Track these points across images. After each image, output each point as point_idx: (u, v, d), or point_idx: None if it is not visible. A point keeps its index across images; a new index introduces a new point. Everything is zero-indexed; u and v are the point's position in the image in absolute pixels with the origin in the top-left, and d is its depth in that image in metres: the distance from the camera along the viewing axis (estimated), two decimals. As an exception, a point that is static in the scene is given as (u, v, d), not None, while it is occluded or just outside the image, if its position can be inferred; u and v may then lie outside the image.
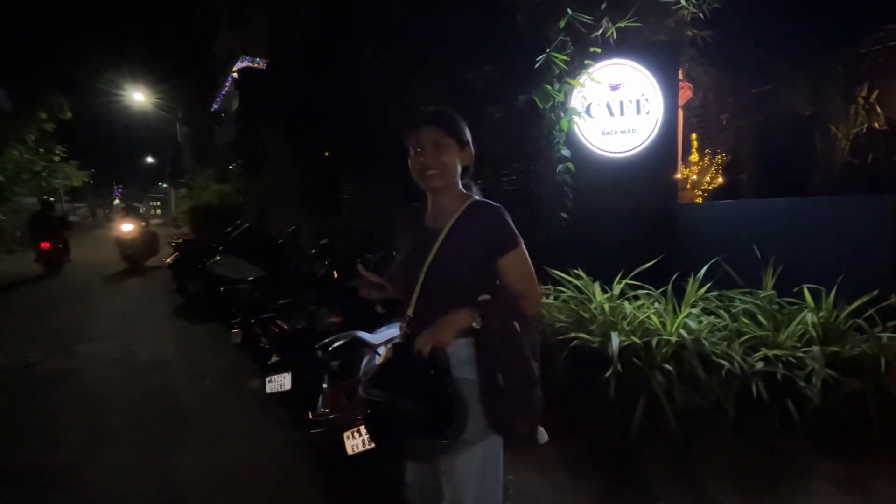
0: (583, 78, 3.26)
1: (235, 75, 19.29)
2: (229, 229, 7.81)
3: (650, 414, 2.25)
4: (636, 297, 2.84)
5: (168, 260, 7.27)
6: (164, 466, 2.42)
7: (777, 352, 2.31)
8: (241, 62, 19.97)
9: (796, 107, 5.39)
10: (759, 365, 2.27)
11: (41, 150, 13.67)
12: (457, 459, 1.11)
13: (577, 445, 2.32)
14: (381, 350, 2.02)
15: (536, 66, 3.11)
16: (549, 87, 3.12)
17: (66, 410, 3.17)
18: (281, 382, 2.57)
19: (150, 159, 41.60)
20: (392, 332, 2.13)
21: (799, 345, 2.36)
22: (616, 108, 3.44)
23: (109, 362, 4.11)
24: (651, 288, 2.85)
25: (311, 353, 2.23)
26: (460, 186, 1.28)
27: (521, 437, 1.16)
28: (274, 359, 2.67)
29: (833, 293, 2.50)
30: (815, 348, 2.26)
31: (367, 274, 1.31)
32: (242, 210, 11.58)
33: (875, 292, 2.43)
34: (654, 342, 2.38)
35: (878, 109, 4.97)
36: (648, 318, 2.56)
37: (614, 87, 3.43)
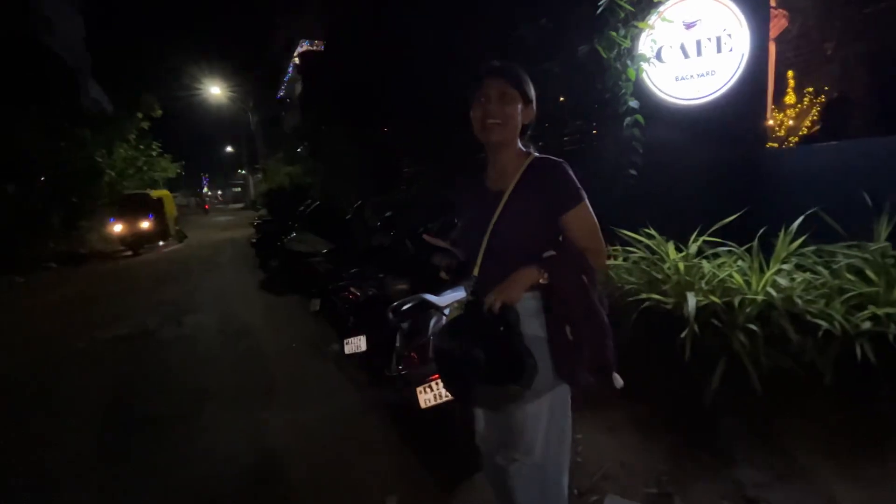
0: (652, 19, 2.97)
1: (297, 60, 20.06)
2: (302, 208, 8.37)
3: (731, 377, 2.12)
4: (716, 256, 2.64)
5: (252, 239, 8.00)
6: (256, 420, 2.75)
7: (889, 310, 2.04)
8: (301, 46, 20.67)
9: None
10: (866, 325, 2.03)
11: (141, 146, 15.38)
12: (526, 407, 1.15)
13: (648, 408, 2.27)
14: (447, 311, 2.10)
15: (598, 11, 2.88)
16: (613, 33, 2.89)
17: (176, 370, 3.69)
18: (357, 344, 2.77)
19: (229, 148, 45.17)
20: (456, 294, 2.19)
21: (918, 302, 2.07)
22: (692, 48, 3.10)
23: (210, 330, 4.68)
24: (733, 245, 2.63)
25: (383, 316, 2.37)
26: (520, 145, 1.26)
27: (594, 385, 1.16)
28: (350, 323, 2.87)
29: (966, 242, 2.14)
30: (939, 305, 1.97)
31: (434, 240, 1.35)
32: (311, 190, 12.27)
33: None
34: (736, 302, 2.21)
35: None
36: (730, 276, 2.37)
37: (689, 25, 3.08)
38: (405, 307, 2.03)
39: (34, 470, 2.43)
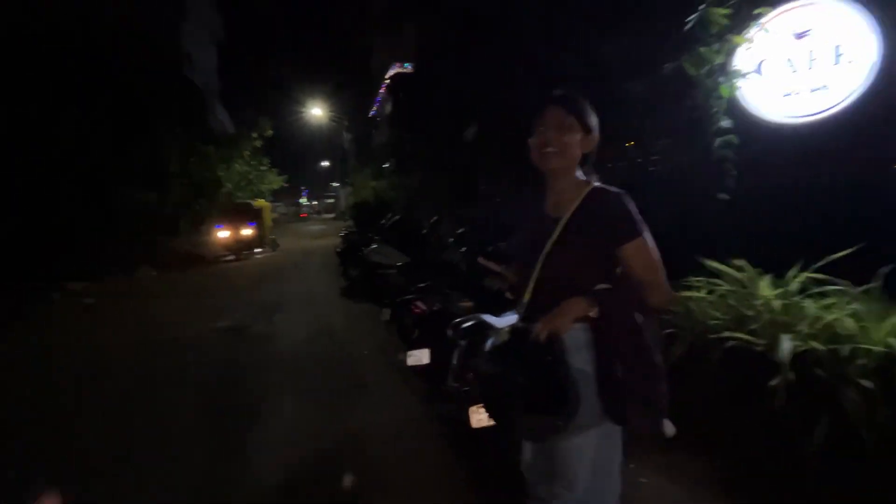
0: (751, 32, 2.73)
1: (388, 81, 21.49)
2: (383, 221, 8.84)
3: (833, 437, 1.82)
4: (822, 295, 2.30)
5: (337, 249, 8.63)
6: (321, 417, 2.98)
7: None
8: (393, 69, 22.09)
9: None
10: None
11: (253, 162, 17.47)
12: (569, 441, 1.12)
13: (726, 459, 2.03)
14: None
15: (688, 27, 2.72)
16: (703, 50, 2.70)
17: (263, 363, 4.10)
18: (420, 357, 2.85)
19: (325, 163, 49.46)
20: (514, 317, 2.17)
21: None
22: (801, 61, 2.78)
23: (294, 329, 5.13)
24: (847, 284, 2.27)
25: (444, 332, 2.43)
26: (579, 174, 1.25)
27: (644, 429, 1.10)
28: (414, 335, 2.96)
29: None
30: None
31: (489, 264, 1.39)
32: (394, 204, 12.93)
33: None
34: (845, 351, 1.91)
35: None
36: (839, 320, 2.06)
37: (799, 36, 2.78)
38: (464, 326, 2.07)
39: (134, 438, 2.86)
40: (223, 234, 12.77)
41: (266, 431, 2.84)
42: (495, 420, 1.28)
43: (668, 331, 2.60)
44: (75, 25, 9.90)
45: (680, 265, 2.77)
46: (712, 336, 2.34)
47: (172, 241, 12.40)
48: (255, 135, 16.86)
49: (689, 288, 2.70)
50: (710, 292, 2.64)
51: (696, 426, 2.28)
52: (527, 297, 1.23)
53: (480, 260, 1.37)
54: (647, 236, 1.12)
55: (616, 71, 3.20)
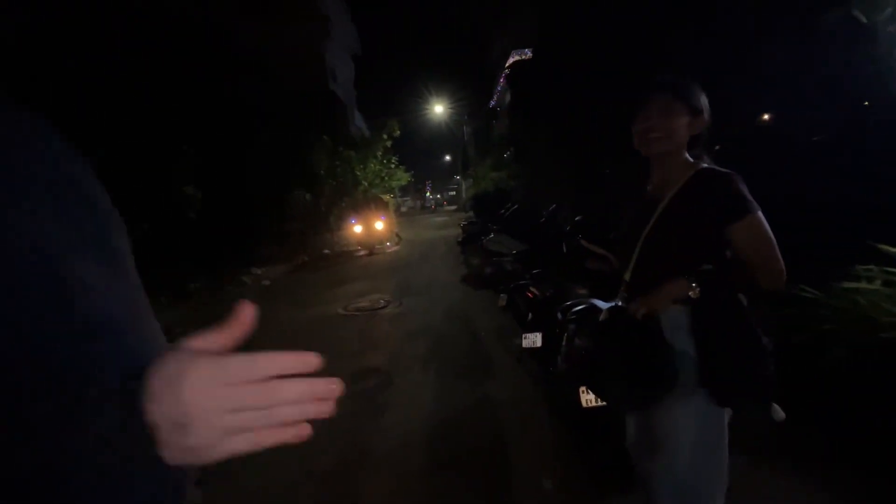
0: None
1: (507, 71, 21.43)
2: (502, 211, 9.01)
3: None
4: None
5: (458, 238, 9.11)
6: (443, 388, 3.31)
7: None
8: (513, 58, 21.92)
9: None
10: None
11: (384, 161, 19.23)
12: (670, 413, 1.14)
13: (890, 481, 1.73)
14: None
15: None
16: (882, -11, 2.22)
17: (394, 339, 4.68)
18: (533, 340, 2.96)
19: (447, 157, 51.69)
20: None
21: None
22: None
23: (420, 311, 5.66)
24: None
25: (557, 316, 2.50)
26: (687, 156, 1.24)
27: (748, 411, 1.07)
28: (528, 319, 3.09)
29: None
30: None
31: (592, 246, 1.46)
32: (513, 193, 13.00)
33: None
34: None
35: None
36: None
37: None
38: (574, 309, 2.12)
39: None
40: (357, 228, 13.59)
41: (396, 394, 3.31)
42: (594, 393, 1.35)
43: (825, 327, 2.27)
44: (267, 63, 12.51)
45: (844, 251, 2.36)
46: (886, 336, 1.98)
47: (322, 234, 14.44)
48: (385, 136, 18.54)
49: (857, 278, 2.30)
50: (886, 283, 2.21)
51: (858, 439, 1.97)
52: (627, 277, 1.27)
53: (583, 242, 1.45)
54: (760, 215, 1.07)
55: (757, 33, 2.80)
